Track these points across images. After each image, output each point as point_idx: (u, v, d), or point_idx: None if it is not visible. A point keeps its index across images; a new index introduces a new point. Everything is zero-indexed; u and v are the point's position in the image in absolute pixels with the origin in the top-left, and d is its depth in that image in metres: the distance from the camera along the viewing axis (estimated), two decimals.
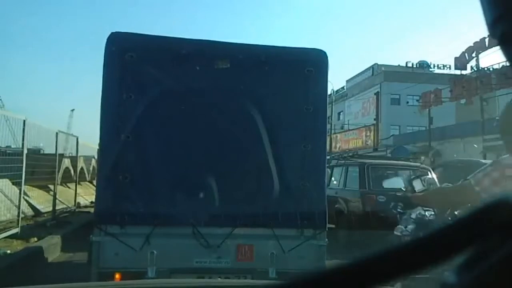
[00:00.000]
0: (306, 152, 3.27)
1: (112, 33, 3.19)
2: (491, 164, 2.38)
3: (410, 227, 3.14)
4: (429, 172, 7.12)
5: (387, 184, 5.37)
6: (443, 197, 2.77)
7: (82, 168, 12.48)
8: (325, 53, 3.39)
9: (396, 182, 4.29)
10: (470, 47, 22.49)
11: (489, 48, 20.28)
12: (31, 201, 8.82)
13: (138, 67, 3.17)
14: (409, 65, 37.16)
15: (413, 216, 3.13)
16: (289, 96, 3.31)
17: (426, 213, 3.09)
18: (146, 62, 3.18)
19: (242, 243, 3.18)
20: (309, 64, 3.33)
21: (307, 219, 3.23)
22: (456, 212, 2.80)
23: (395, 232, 3.27)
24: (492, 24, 0.37)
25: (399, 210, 3.27)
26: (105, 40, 3.16)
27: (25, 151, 7.17)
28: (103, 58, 3.15)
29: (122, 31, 3.27)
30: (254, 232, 3.20)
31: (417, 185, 3.12)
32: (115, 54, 3.15)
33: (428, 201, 2.92)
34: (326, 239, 3.28)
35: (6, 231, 6.44)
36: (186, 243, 3.10)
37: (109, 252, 3.05)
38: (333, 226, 4.95)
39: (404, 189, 3.60)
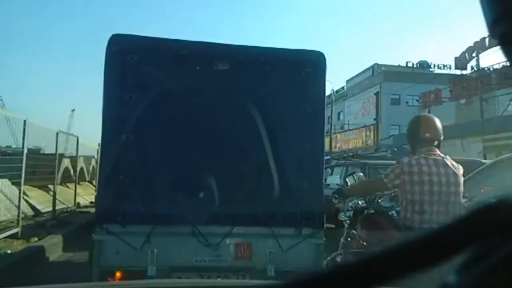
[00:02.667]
0: (305, 152, 3.30)
1: (113, 35, 3.22)
2: (396, 163, 3.10)
3: (348, 213, 3.84)
4: None
5: (329, 180, 6.10)
6: (364, 188, 3.64)
7: (82, 168, 12.48)
8: (323, 54, 3.43)
9: (335, 179, 5.26)
10: (470, 47, 22.51)
11: (489, 48, 20.30)
12: (31, 201, 8.83)
13: (138, 68, 3.19)
14: (409, 65, 37.17)
15: (350, 204, 3.86)
16: (287, 97, 3.34)
17: (359, 202, 3.80)
18: (146, 64, 3.20)
19: (241, 242, 3.21)
20: (308, 65, 3.36)
21: (306, 218, 3.25)
22: (378, 199, 3.74)
23: (338, 217, 4.03)
24: (492, 24, 0.37)
25: (338, 200, 3.88)
26: (106, 41, 3.20)
27: (25, 151, 7.18)
28: (104, 59, 3.18)
29: (122, 31, 3.31)
30: (252, 231, 3.23)
31: (350, 180, 3.86)
32: (116, 55, 3.17)
33: (354, 192, 3.69)
34: (324, 238, 3.30)
35: (6, 231, 6.45)
36: (186, 242, 3.13)
37: (110, 250, 3.07)
38: (333, 226, 4.97)
39: (339, 184, 4.23)
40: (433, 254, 0.35)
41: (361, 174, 4.11)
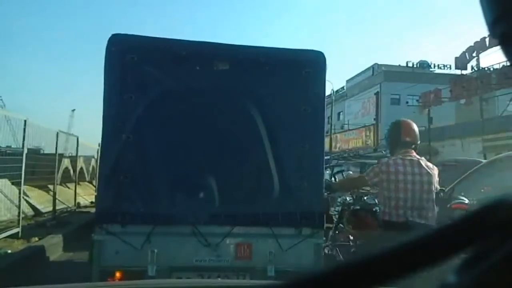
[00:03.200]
0: (305, 152, 3.30)
1: (112, 34, 3.21)
2: (377, 163, 3.48)
3: (337, 208, 4.28)
4: None
5: None
6: (348, 184, 4.09)
7: (81, 168, 12.48)
8: (323, 54, 3.42)
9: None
10: (470, 47, 22.48)
11: (489, 48, 20.28)
12: (31, 201, 8.83)
13: (138, 68, 3.19)
14: (409, 65, 37.15)
15: (339, 200, 4.33)
16: (287, 97, 3.33)
17: (347, 198, 4.24)
18: (146, 64, 3.20)
19: (241, 242, 3.21)
20: (307, 65, 3.36)
21: (305, 218, 3.25)
22: (364, 197, 4.14)
23: (329, 212, 4.32)
24: (492, 24, 0.37)
25: (326, 193, 4.19)
26: (106, 41, 3.19)
27: (25, 151, 7.18)
28: (103, 59, 3.17)
29: (122, 31, 3.30)
30: (253, 231, 3.23)
31: (339, 177, 4.43)
32: (115, 55, 3.17)
33: (340, 187, 4.15)
34: (324, 238, 3.30)
35: (6, 231, 6.45)
36: (186, 242, 3.13)
37: (110, 250, 3.07)
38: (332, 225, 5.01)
39: (328, 180, 4.71)
40: (433, 254, 0.35)
41: (350, 172, 4.51)
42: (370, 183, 3.46)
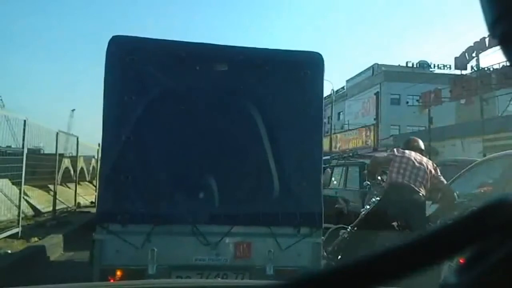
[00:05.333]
0: (303, 152, 3.33)
1: (113, 36, 3.24)
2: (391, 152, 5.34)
3: (367, 207, 5.01)
4: None
5: None
6: (375, 164, 5.27)
7: (82, 168, 12.47)
8: (321, 56, 3.46)
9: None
10: (470, 47, 22.45)
11: (489, 48, 20.25)
12: (31, 201, 8.82)
13: (139, 70, 3.21)
14: (409, 65, 37.11)
15: (373, 200, 4.95)
16: (286, 98, 3.36)
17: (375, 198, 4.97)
18: (146, 65, 3.22)
19: (240, 241, 3.23)
20: (306, 66, 3.39)
21: (304, 218, 3.28)
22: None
23: (366, 204, 5.27)
24: (492, 24, 0.37)
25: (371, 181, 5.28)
26: (106, 41, 3.22)
27: (25, 151, 7.18)
28: (104, 61, 3.20)
29: (122, 31, 3.36)
30: (252, 230, 3.25)
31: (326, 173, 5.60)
32: (116, 57, 3.19)
33: (372, 168, 5.32)
34: (322, 237, 3.32)
35: (6, 231, 6.45)
36: (186, 241, 3.15)
37: (110, 249, 3.09)
38: (331, 225, 5.02)
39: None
40: (433, 254, 0.35)
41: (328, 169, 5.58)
42: (387, 158, 4.93)
